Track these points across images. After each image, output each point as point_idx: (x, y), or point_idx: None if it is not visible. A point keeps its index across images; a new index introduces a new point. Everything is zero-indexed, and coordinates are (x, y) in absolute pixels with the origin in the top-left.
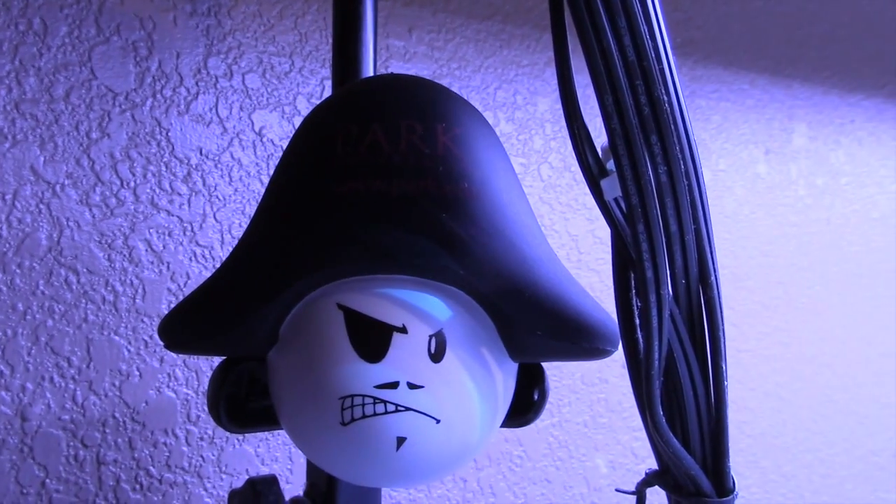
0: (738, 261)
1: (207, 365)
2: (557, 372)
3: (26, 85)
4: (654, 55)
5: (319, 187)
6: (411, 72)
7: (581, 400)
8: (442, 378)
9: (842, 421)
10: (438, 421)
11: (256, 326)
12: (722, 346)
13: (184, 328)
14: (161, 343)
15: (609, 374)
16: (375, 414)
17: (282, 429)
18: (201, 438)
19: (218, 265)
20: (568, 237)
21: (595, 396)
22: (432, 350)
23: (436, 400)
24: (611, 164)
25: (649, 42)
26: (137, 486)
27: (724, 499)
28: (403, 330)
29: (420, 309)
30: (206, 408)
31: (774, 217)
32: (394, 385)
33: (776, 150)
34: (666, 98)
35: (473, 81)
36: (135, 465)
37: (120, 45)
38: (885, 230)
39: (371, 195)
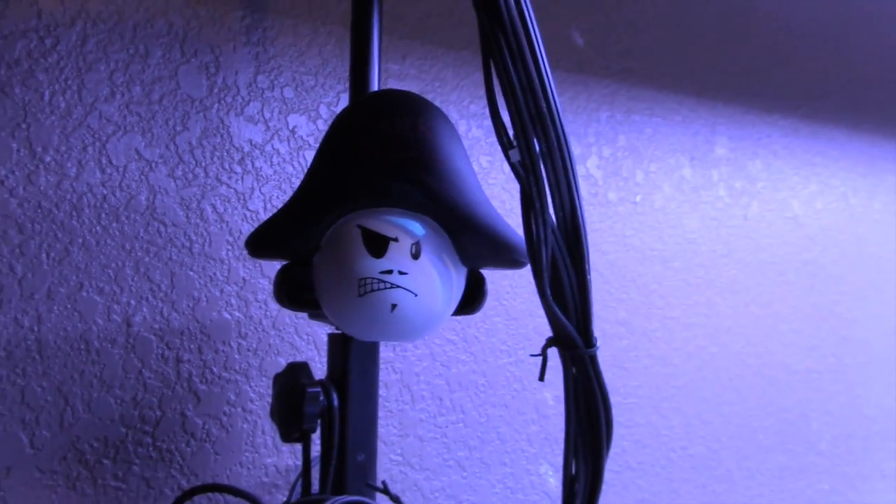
0: (666, 245)
1: (253, 297)
2: (514, 323)
3: (133, 91)
4: (537, 83)
5: (347, 155)
6: (404, 88)
7: (533, 345)
8: (419, 268)
9: (754, 381)
10: (416, 295)
11: (307, 239)
12: (585, 251)
13: (263, 241)
14: (246, 251)
15: None
16: (379, 289)
17: (316, 309)
18: (248, 349)
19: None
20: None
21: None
22: (413, 252)
23: (415, 282)
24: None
25: (536, 78)
26: (203, 380)
27: (590, 349)
28: (396, 240)
29: (406, 227)
30: (252, 326)
31: (697, 212)
32: (389, 272)
33: (700, 157)
34: (544, 105)
35: (452, 97)
36: (202, 364)
37: (197, 64)
38: (796, 227)
39: (378, 160)
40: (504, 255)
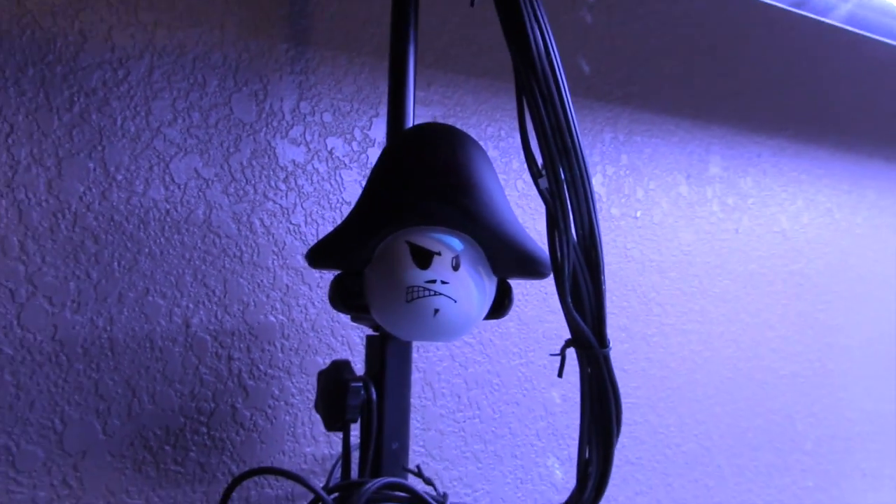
0: (663, 257)
1: (295, 302)
2: (525, 328)
3: (193, 117)
4: (564, 123)
5: (396, 181)
6: (429, 112)
7: (542, 348)
8: (458, 279)
9: (744, 384)
10: (456, 301)
11: (361, 253)
12: (601, 265)
13: (322, 254)
14: (306, 264)
15: (566, 334)
16: (424, 296)
17: (364, 314)
18: (290, 349)
19: (304, 238)
20: (535, 232)
21: (554, 348)
22: (453, 264)
23: (455, 290)
24: (543, 172)
25: (563, 118)
26: (251, 376)
27: (604, 349)
28: (439, 254)
29: (447, 243)
30: (294, 329)
31: (692, 226)
32: (433, 281)
33: (695, 175)
34: (570, 141)
35: (471, 121)
36: (250, 362)
37: (247, 92)
38: (784, 241)
39: (422, 185)
40: (530, 267)
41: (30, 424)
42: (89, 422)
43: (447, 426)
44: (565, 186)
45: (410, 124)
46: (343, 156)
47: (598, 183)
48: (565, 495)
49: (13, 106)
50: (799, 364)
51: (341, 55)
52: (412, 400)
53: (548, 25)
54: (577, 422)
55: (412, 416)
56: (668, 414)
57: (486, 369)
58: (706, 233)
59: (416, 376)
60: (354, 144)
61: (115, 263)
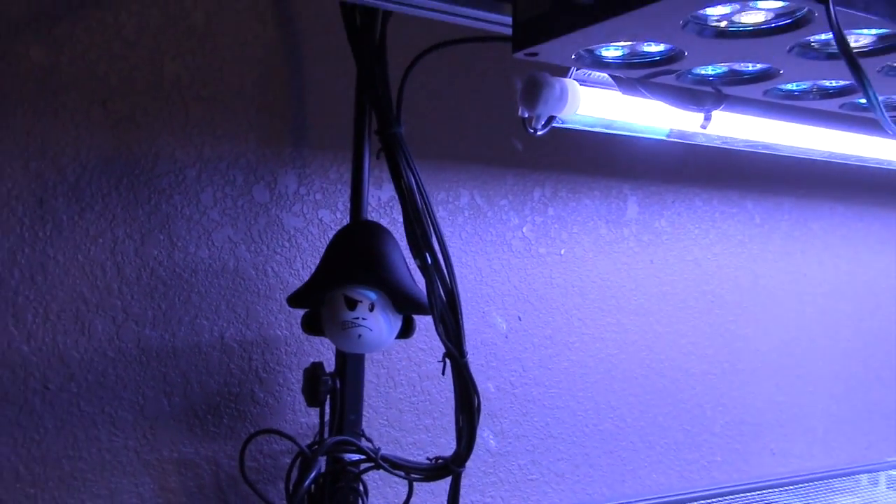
0: (584, 283)
1: (295, 322)
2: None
3: (226, 202)
4: (430, 232)
5: (339, 257)
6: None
7: (475, 354)
8: (374, 316)
9: (656, 380)
10: (372, 330)
11: (318, 299)
12: (458, 307)
13: (296, 300)
14: (286, 302)
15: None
16: (352, 327)
17: (322, 335)
18: (291, 353)
19: (302, 279)
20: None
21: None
22: (370, 308)
23: (371, 323)
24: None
25: (426, 227)
26: (265, 371)
27: (464, 359)
28: (361, 301)
29: (366, 295)
30: (294, 340)
31: (610, 259)
32: (357, 318)
33: (614, 220)
34: (435, 240)
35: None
36: (263, 361)
37: (263, 183)
38: (697, 267)
39: (354, 261)
40: (417, 309)
41: (124, 400)
42: (160, 399)
43: (405, 406)
44: (433, 265)
45: (367, 200)
46: (330, 222)
47: (527, 230)
48: (499, 459)
49: (114, 202)
50: (709, 364)
51: (328, 153)
52: (379, 388)
53: (416, 169)
54: (509, 405)
55: (378, 400)
56: (587, 401)
57: (434, 366)
58: (623, 263)
59: (381, 371)
60: (338, 213)
61: (176, 299)
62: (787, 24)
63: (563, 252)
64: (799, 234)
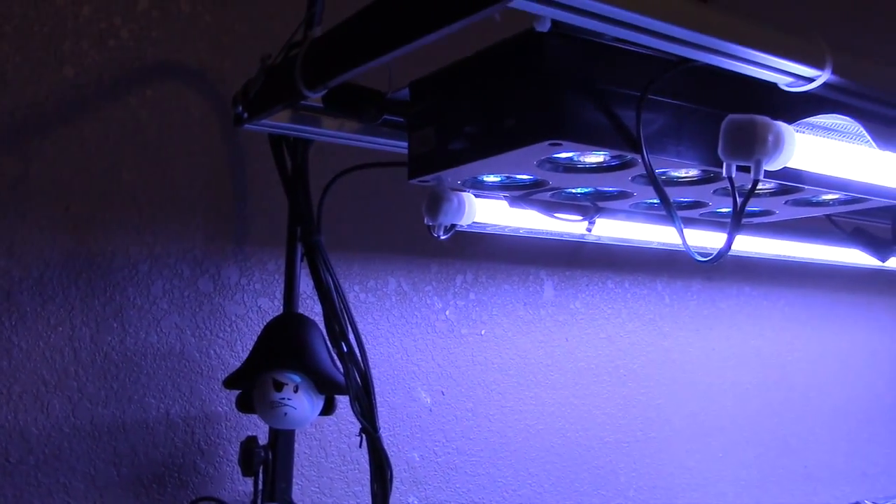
0: (503, 360)
1: (233, 400)
2: (384, 411)
3: (174, 293)
4: (348, 328)
5: (268, 345)
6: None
7: (400, 426)
8: (298, 397)
9: (572, 448)
10: (296, 409)
11: (250, 382)
12: (371, 388)
13: (231, 382)
14: (222, 384)
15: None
16: (279, 406)
17: (254, 413)
18: (230, 427)
19: (242, 363)
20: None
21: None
22: (294, 389)
23: (296, 403)
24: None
25: (344, 326)
26: (206, 443)
27: (377, 433)
28: (286, 384)
29: (291, 378)
30: (233, 416)
31: (528, 337)
32: (284, 398)
33: (531, 302)
34: (351, 334)
35: (351, 279)
36: (206, 434)
37: (208, 275)
38: (609, 344)
39: (281, 348)
40: (336, 390)
41: (77, 471)
42: (110, 470)
43: (335, 475)
44: (347, 353)
45: (298, 293)
46: (268, 309)
47: (450, 313)
48: None
49: (73, 294)
50: (623, 433)
51: (266, 249)
52: (312, 459)
53: (333, 271)
54: (433, 473)
55: (311, 469)
56: (507, 469)
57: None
58: (540, 342)
59: (314, 442)
60: (276, 301)
61: (127, 380)
62: (619, 164)
63: (483, 332)
64: (707, 312)
